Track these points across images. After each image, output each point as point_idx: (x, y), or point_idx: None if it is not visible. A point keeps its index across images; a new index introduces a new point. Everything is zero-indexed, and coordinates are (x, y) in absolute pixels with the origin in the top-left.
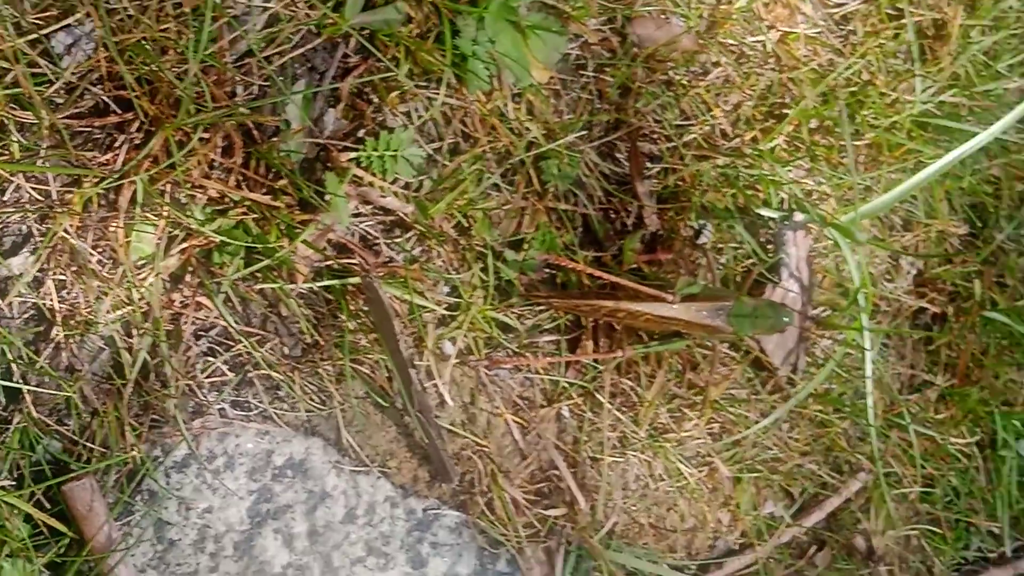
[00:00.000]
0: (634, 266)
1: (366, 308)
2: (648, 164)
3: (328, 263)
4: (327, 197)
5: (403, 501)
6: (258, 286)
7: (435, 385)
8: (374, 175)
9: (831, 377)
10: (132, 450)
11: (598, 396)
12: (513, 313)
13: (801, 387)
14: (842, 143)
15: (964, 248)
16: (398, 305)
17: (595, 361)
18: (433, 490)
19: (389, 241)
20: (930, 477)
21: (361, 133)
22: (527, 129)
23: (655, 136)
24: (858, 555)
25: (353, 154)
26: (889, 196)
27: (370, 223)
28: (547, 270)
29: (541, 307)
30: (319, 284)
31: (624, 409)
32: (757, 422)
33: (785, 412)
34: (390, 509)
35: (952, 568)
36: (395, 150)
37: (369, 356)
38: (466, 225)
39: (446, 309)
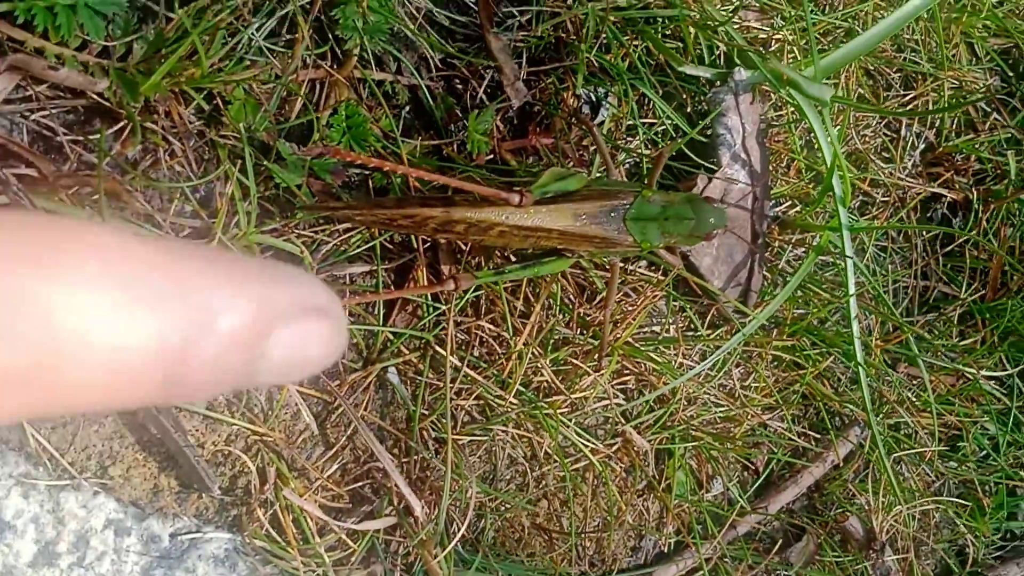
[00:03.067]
0: (491, 157)
1: None
2: (508, 7)
3: None
4: None
5: (138, 525)
6: None
7: None
8: (40, 36)
9: (803, 298)
10: None
11: (439, 349)
12: (300, 235)
13: (755, 315)
14: None
15: (992, 109)
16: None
17: (432, 298)
18: (186, 504)
19: (83, 139)
20: (955, 427)
21: None
22: None
23: None
24: (853, 542)
25: None
26: (872, 33)
27: (52, 111)
28: (355, 169)
29: (345, 225)
30: None
31: (485, 364)
32: (692, 367)
33: (732, 351)
34: (115, 539)
35: (993, 547)
36: None
37: None
38: (216, 109)
39: (190, 234)
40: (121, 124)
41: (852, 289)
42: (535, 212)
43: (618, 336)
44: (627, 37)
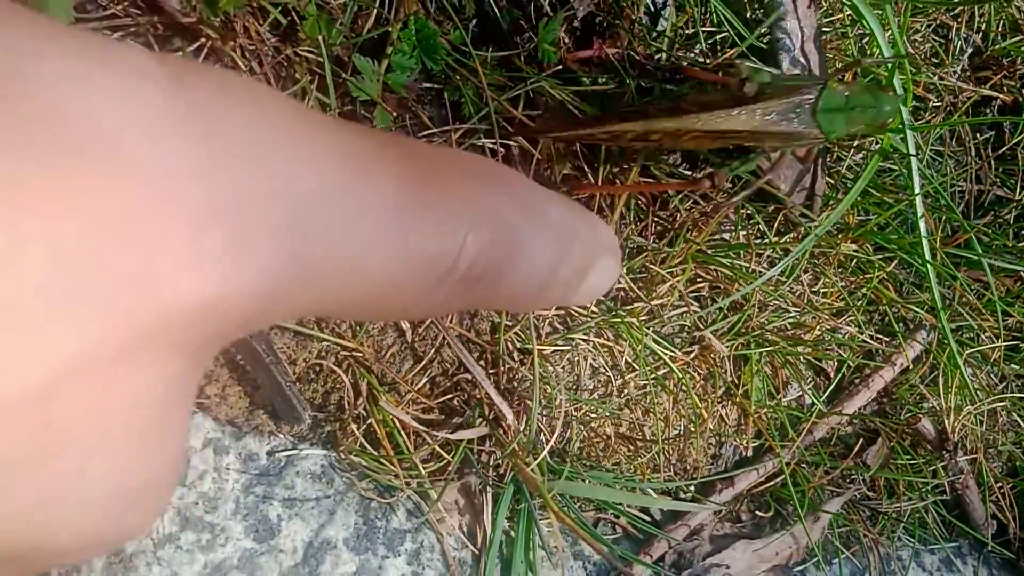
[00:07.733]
0: (559, 68)
1: None
2: None
3: None
4: None
5: (235, 444)
6: None
7: None
8: None
9: (866, 202)
10: None
11: None
12: None
13: (822, 218)
14: None
15: None
16: None
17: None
18: (281, 422)
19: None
20: (1016, 329)
21: None
22: None
23: None
24: (926, 444)
25: None
26: None
27: (134, 30)
28: (427, 83)
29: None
30: None
31: None
32: (763, 274)
33: (802, 255)
34: (214, 458)
35: None
36: None
37: None
38: (289, 24)
39: None
40: (199, 43)
41: (918, 188)
42: (727, 115)
43: (694, 240)
44: None
